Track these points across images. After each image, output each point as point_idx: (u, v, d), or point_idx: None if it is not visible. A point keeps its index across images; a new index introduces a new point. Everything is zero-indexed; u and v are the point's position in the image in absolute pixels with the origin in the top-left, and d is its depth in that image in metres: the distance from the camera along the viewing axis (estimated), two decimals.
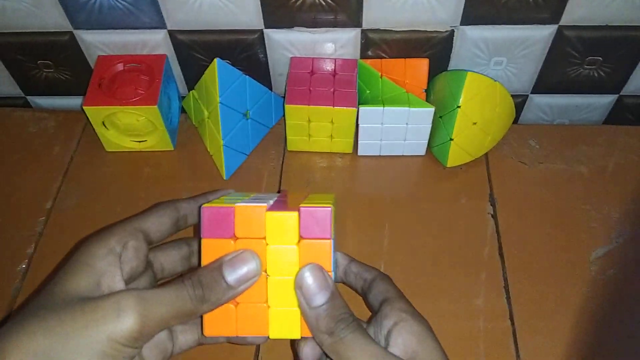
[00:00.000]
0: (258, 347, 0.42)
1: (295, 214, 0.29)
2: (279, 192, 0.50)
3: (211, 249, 0.29)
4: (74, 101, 0.58)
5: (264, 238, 0.29)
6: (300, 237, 0.29)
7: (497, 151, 0.53)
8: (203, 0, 0.47)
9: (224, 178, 0.51)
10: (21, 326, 0.25)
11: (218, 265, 0.29)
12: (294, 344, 0.33)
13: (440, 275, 0.45)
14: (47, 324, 0.25)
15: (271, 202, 0.31)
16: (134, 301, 0.26)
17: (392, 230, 0.48)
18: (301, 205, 0.29)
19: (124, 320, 0.25)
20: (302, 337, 0.30)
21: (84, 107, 0.48)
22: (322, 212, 0.29)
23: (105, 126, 0.51)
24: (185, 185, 0.51)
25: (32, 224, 0.49)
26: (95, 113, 0.49)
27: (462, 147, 0.49)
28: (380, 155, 0.53)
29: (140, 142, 0.53)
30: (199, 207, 0.30)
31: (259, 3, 0.47)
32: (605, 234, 0.47)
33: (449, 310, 0.43)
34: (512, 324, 0.43)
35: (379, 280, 0.34)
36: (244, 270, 0.29)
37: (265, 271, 0.30)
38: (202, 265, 0.29)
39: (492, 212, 0.49)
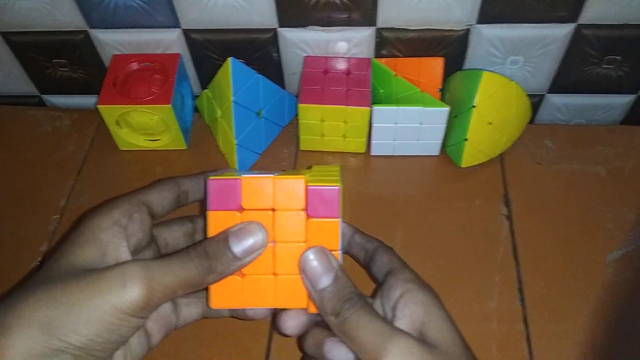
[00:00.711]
0: (269, 347, 0.42)
1: (302, 179, 0.29)
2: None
3: (217, 222, 0.29)
4: (88, 100, 0.59)
5: (271, 209, 0.29)
6: (308, 216, 0.29)
7: (513, 151, 0.52)
8: None
9: None
10: (25, 297, 0.25)
11: (224, 237, 0.29)
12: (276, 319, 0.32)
13: (453, 277, 0.45)
14: (52, 294, 0.25)
15: (276, 174, 0.31)
16: (140, 271, 0.26)
17: (404, 231, 0.47)
18: (309, 184, 0.29)
19: (130, 290, 0.25)
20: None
21: (98, 106, 0.48)
22: (330, 191, 0.29)
23: (119, 125, 0.51)
24: None
25: (46, 222, 0.49)
26: (109, 112, 0.49)
27: (476, 147, 0.49)
28: (393, 155, 0.52)
29: (153, 141, 0.53)
30: (205, 180, 0.30)
31: (273, 2, 0.47)
32: (621, 236, 0.47)
33: (461, 312, 0.42)
34: (526, 326, 0.42)
35: (381, 251, 0.33)
36: (250, 241, 0.28)
37: (273, 241, 0.29)
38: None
39: (506, 214, 0.48)
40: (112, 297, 0.25)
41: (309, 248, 0.29)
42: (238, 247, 0.28)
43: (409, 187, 0.51)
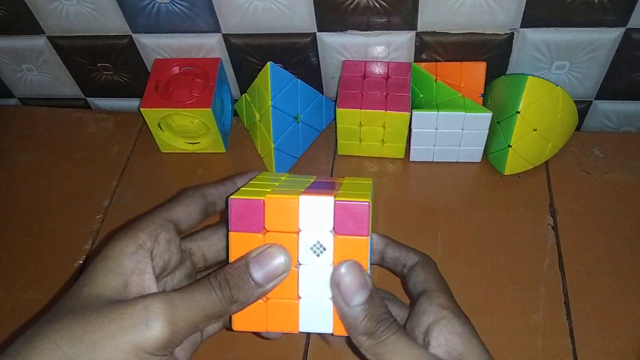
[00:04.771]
0: (306, 348, 0.41)
1: (330, 198, 0.27)
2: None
3: (239, 243, 0.28)
4: (131, 103, 0.60)
5: (296, 232, 0.28)
6: (335, 233, 0.27)
7: (559, 159, 0.50)
8: (257, 4, 0.47)
9: None
10: (47, 332, 0.25)
11: (244, 263, 0.27)
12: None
13: (496, 288, 0.43)
14: (73, 331, 0.24)
15: (302, 190, 0.30)
16: (163, 307, 0.25)
17: (444, 240, 0.46)
18: (336, 198, 0.27)
19: (153, 329, 0.24)
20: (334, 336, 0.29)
21: (141, 109, 0.49)
22: (359, 207, 0.27)
23: (160, 128, 0.52)
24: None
25: (90, 221, 0.50)
26: (151, 115, 0.50)
27: (521, 155, 0.47)
28: (433, 162, 0.51)
29: (193, 143, 0.54)
30: (227, 199, 0.29)
31: (313, 7, 0.47)
32: None
33: (505, 325, 0.42)
34: (573, 342, 0.40)
35: (419, 267, 0.32)
36: (271, 266, 0.27)
37: (297, 265, 0.28)
38: (230, 261, 0.28)
39: (552, 224, 0.47)
40: (134, 336, 0.24)
41: (341, 262, 0.27)
42: (259, 273, 0.27)
43: (450, 195, 0.49)
